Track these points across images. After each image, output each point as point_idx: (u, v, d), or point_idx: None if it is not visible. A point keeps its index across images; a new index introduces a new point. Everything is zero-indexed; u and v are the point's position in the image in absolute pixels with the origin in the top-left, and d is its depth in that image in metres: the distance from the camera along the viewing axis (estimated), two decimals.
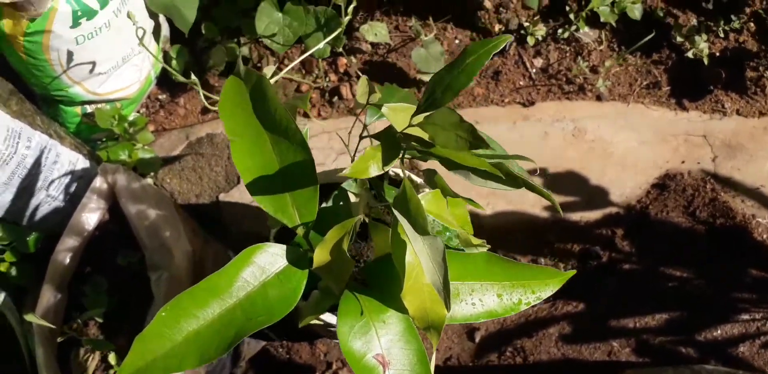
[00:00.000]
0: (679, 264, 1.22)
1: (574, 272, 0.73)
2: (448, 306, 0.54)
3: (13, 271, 1.05)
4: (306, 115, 1.20)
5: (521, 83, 1.23)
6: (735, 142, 1.25)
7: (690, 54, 1.22)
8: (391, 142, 0.58)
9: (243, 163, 0.62)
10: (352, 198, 0.67)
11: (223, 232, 1.18)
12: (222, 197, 1.18)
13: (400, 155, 0.58)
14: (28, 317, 0.96)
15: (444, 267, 0.54)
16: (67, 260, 1.01)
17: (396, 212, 0.56)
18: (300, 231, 0.63)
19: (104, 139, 1.15)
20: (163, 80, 1.21)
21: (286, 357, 1.17)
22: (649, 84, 1.25)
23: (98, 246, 1.04)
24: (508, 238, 1.23)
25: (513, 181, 0.57)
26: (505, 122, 1.22)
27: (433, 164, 0.66)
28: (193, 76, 0.84)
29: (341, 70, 1.20)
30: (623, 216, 1.23)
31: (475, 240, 0.63)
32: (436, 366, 1.17)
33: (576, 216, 1.23)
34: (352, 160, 0.72)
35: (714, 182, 1.23)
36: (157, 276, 0.99)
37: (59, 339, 0.96)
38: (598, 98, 1.24)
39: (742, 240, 1.22)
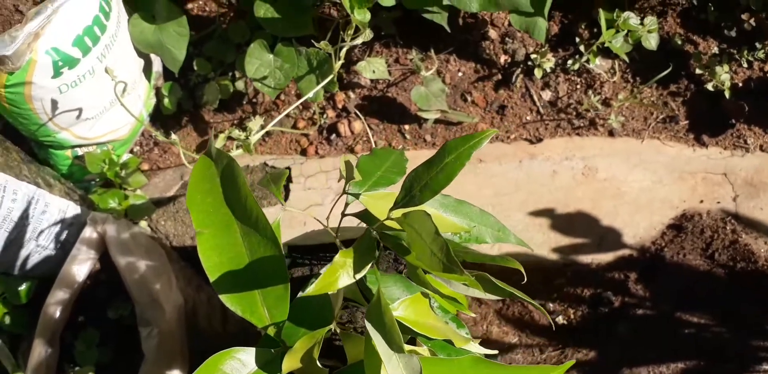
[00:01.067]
0: (696, 309, 1.16)
1: (572, 362, 0.68)
2: None
3: (7, 320, 1.04)
4: (303, 153, 1.16)
5: (528, 118, 1.17)
6: (758, 180, 1.18)
7: (710, 86, 1.15)
8: (366, 245, 0.53)
9: (210, 258, 0.59)
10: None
11: None
12: None
13: (375, 259, 0.53)
14: None
15: None
16: (58, 313, 0.98)
17: (369, 326, 0.52)
18: (271, 331, 0.59)
19: (97, 180, 1.12)
20: (157, 117, 1.18)
21: None
22: (665, 118, 1.18)
23: (90, 296, 1.02)
24: (515, 281, 1.18)
25: (498, 290, 0.52)
26: (511, 160, 1.16)
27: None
28: (173, 136, 0.81)
29: (339, 106, 1.16)
30: (637, 258, 1.17)
31: (462, 342, 0.58)
32: None
33: (587, 259, 1.18)
34: (336, 236, 0.68)
35: (735, 223, 1.17)
36: (148, 332, 0.96)
37: None
38: (611, 134, 1.17)
39: (764, 285, 1.15)
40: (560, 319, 1.16)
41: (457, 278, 0.50)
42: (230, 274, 0.59)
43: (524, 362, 1.16)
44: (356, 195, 0.58)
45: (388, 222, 0.56)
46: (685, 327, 1.16)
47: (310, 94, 0.93)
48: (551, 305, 1.17)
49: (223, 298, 0.59)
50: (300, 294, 0.65)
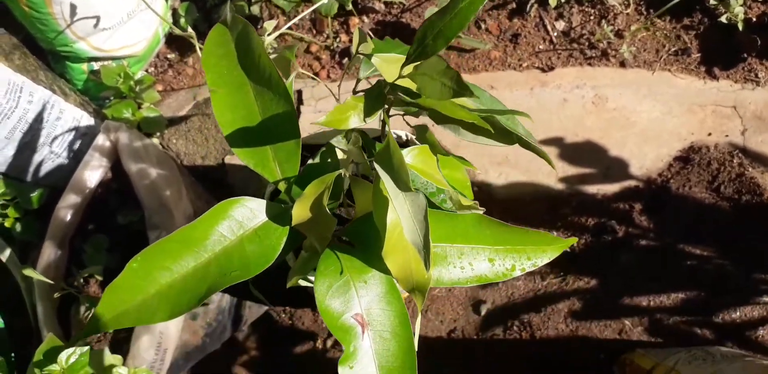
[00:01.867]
0: (699, 241, 1.16)
1: (575, 240, 0.69)
2: (427, 266, 0.51)
3: (18, 227, 1.06)
4: (316, 76, 1.17)
5: (541, 47, 1.17)
6: (767, 114, 1.18)
7: (724, 18, 1.14)
8: (376, 92, 0.54)
9: (224, 115, 0.60)
10: (340, 155, 0.64)
11: (228, 195, 1.16)
12: (228, 159, 1.17)
13: (384, 107, 0.54)
14: (27, 272, 0.96)
15: (425, 225, 0.51)
16: (69, 217, 1.00)
17: (377, 166, 0.53)
18: (282, 186, 0.60)
19: (112, 98, 1.14)
20: (173, 39, 1.19)
21: (288, 323, 1.16)
22: (677, 50, 1.18)
23: (100, 204, 1.03)
24: (521, 210, 1.19)
25: (505, 135, 0.53)
26: (523, 88, 1.17)
27: (426, 122, 0.62)
28: (189, 29, 0.82)
29: (353, 30, 1.16)
30: (643, 189, 1.18)
31: (466, 201, 0.59)
32: (440, 338, 1.15)
33: (593, 189, 1.18)
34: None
35: (742, 156, 1.17)
36: (156, 235, 0.98)
37: (57, 295, 0.96)
38: (622, 65, 1.17)
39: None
40: None
41: (465, 114, 0.50)
42: (243, 130, 0.60)
43: (525, 289, 1.17)
44: (369, 56, 0.59)
45: (400, 82, 0.57)
46: (687, 259, 1.16)
47: (324, 1, 0.93)
48: (555, 233, 1.18)
49: (237, 152, 0.60)
50: (309, 161, 0.67)
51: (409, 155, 0.56)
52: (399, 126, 0.85)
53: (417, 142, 0.77)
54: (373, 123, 0.70)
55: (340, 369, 0.55)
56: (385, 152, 0.53)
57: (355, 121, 0.53)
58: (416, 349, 0.59)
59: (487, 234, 0.62)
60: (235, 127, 0.60)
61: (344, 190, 0.65)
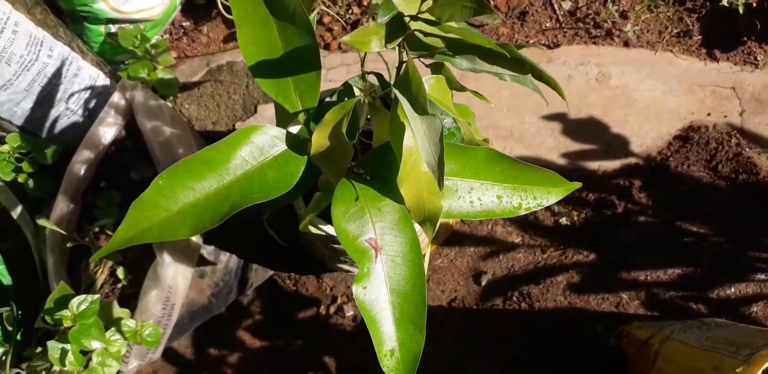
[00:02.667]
0: (696, 219, 1.19)
1: (579, 184, 0.71)
2: (441, 185, 0.53)
3: (31, 183, 1.07)
4: (327, 47, 1.20)
5: (548, 25, 1.21)
6: (765, 96, 1.21)
7: (725, 2, 1.18)
8: (398, 22, 0.57)
9: (248, 48, 0.62)
10: (357, 93, 0.67)
11: None
12: (238, 125, 1.19)
13: (405, 35, 0.57)
14: (41, 221, 0.98)
15: (440, 147, 0.54)
16: (83, 171, 1.02)
17: (396, 92, 0.55)
18: (301, 117, 0.63)
19: (126, 62, 1.16)
20: (188, 7, 1.22)
21: (293, 289, 1.17)
22: (679, 32, 1.21)
23: (113, 161, 1.05)
24: None
25: (520, 64, 0.56)
26: (534, 60, 1.20)
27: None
28: None
29: (365, 2, 1.19)
30: (642, 167, 1.21)
31: (479, 137, 0.62)
32: (440, 306, 1.17)
33: (594, 165, 1.21)
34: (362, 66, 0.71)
35: (739, 137, 1.20)
36: None
37: (69, 245, 0.98)
38: (626, 44, 1.21)
39: (764, 198, 1.19)
40: (564, 220, 1.20)
41: (482, 41, 0.53)
42: (266, 62, 0.62)
43: (525, 261, 1.20)
44: None
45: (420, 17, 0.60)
46: (684, 236, 1.19)
47: None
48: (556, 207, 1.20)
49: (260, 82, 0.62)
50: (327, 99, 0.69)
51: (426, 84, 0.58)
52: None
53: None
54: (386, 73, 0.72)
55: (354, 288, 0.58)
56: (405, 77, 0.55)
57: (376, 44, 0.55)
58: (426, 276, 0.61)
59: (497, 171, 0.64)
60: (259, 59, 0.62)
61: (360, 128, 0.67)
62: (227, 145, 0.59)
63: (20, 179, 1.06)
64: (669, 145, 1.21)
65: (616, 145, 1.21)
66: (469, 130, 0.61)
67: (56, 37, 0.99)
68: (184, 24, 1.23)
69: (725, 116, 1.20)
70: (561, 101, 1.20)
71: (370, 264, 0.59)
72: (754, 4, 1.21)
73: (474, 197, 0.64)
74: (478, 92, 0.64)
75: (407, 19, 0.58)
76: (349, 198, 0.61)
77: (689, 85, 1.21)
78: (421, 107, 0.54)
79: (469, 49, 0.56)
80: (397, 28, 0.57)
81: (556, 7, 1.21)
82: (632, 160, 1.21)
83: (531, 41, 1.21)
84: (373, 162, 0.64)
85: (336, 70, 1.18)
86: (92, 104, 1.09)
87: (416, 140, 0.55)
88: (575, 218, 1.20)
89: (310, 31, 0.62)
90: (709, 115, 1.20)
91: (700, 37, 1.21)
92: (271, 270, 1.16)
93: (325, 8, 1.19)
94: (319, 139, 0.60)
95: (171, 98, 1.17)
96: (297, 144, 0.62)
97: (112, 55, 1.16)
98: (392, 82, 0.68)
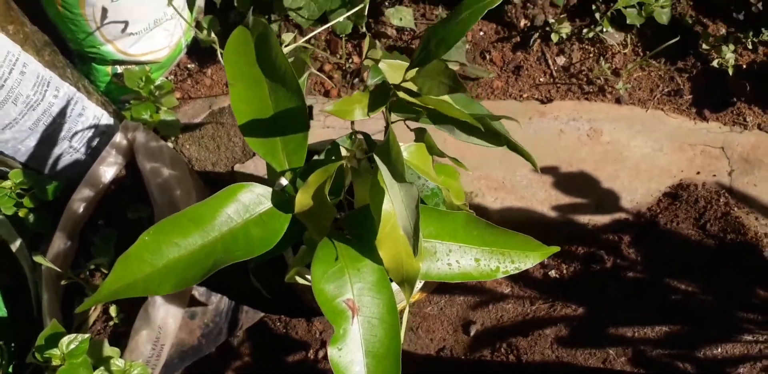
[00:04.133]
0: (684, 276, 1.20)
1: (557, 248, 0.73)
2: (416, 251, 0.55)
3: (31, 218, 1.10)
4: (326, 94, 1.23)
5: (541, 80, 1.24)
6: (754, 156, 1.23)
7: (715, 63, 1.21)
8: (381, 90, 0.60)
9: (240, 107, 0.65)
10: (344, 153, 0.69)
11: None
12: (237, 167, 1.22)
13: (387, 104, 0.59)
14: (38, 259, 1.00)
15: (416, 213, 0.56)
16: (81, 209, 1.05)
17: (377, 158, 0.57)
18: (288, 176, 0.65)
19: (131, 101, 1.20)
20: (194, 50, 1.26)
21: (282, 331, 1.18)
22: (670, 91, 1.24)
23: (112, 199, 1.08)
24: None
25: (495, 137, 0.58)
26: (521, 117, 1.23)
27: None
28: (213, 35, 0.88)
29: (365, 51, 1.23)
30: (632, 222, 1.22)
31: (458, 201, 0.64)
32: (429, 355, 1.17)
33: (584, 219, 1.23)
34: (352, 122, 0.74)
35: (728, 196, 1.22)
36: None
37: (63, 282, 1.00)
38: (618, 101, 1.24)
39: (751, 258, 1.19)
40: (553, 273, 1.21)
41: (459, 114, 0.56)
42: (256, 121, 0.65)
43: (515, 312, 1.20)
44: (376, 61, 0.65)
45: (403, 85, 0.62)
46: (672, 293, 1.20)
47: (341, 19, 1.00)
48: (545, 259, 1.21)
49: (249, 141, 0.65)
50: (315, 157, 0.72)
51: (406, 151, 0.61)
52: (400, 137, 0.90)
53: None
54: (377, 127, 0.75)
55: (329, 350, 0.59)
56: (385, 145, 0.58)
57: (359, 113, 0.58)
58: (401, 341, 0.63)
59: (475, 235, 0.66)
60: (249, 118, 0.65)
61: (344, 187, 0.70)
62: (214, 203, 0.61)
63: (21, 214, 1.09)
64: (658, 202, 1.22)
65: (607, 200, 1.22)
66: (449, 195, 0.63)
67: (63, 77, 1.02)
68: (189, 66, 1.26)
69: (714, 175, 1.22)
70: (553, 155, 1.23)
71: (346, 326, 0.60)
72: (744, 66, 1.24)
73: (452, 259, 0.66)
74: (457, 159, 0.66)
75: (391, 88, 0.60)
76: (330, 258, 0.63)
77: (679, 144, 1.23)
78: (399, 175, 0.56)
79: (447, 119, 0.58)
80: (380, 97, 0.60)
81: (550, 62, 1.24)
82: (622, 215, 1.22)
83: (524, 95, 1.24)
84: (354, 222, 0.66)
85: (334, 117, 1.21)
86: (95, 143, 1.12)
87: (394, 206, 0.57)
88: (564, 271, 1.21)
89: (300, 94, 0.64)
90: (698, 173, 1.22)
91: (690, 96, 1.24)
92: (262, 312, 1.17)
93: (326, 56, 1.23)
94: (303, 200, 0.62)
95: (172, 139, 1.20)
96: (282, 202, 0.64)
97: (117, 95, 1.19)
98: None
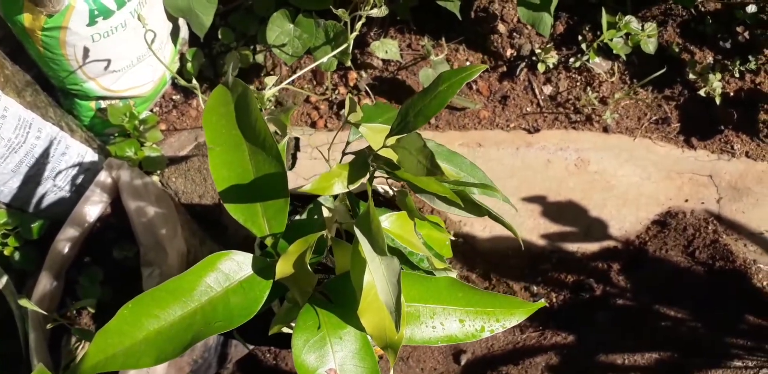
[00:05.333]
0: (674, 304, 1.20)
1: (542, 304, 0.73)
2: (398, 327, 0.55)
3: (17, 256, 1.09)
4: (313, 125, 1.23)
5: (528, 109, 1.23)
6: (742, 184, 1.23)
7: (702, 92, 1.21)
8: (360, 162, 0.59)
9: (219, 172, 0.64)
10: (326, 213, 0.68)
11: (222, 234, 1.20)
12: None
13: (368, 175, 0.59)
14: (22, 302, 0.99)
15: (398, 288, 0.55)
16: (66, 249, 1.04)
17: (357, 230, 0.57)
18: (268, 241, 0.65)
19: (116, 135, 1.19)
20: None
21: (272, 363, 1.18)
22: (658, 119, 1.24)
23: (98, 238, 1.07)
24: (504, 263, 1.23)
25: (475, 208, 0.58)
26: (509, 147, 1.23)
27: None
28: (194, 81, 0.87)
29: (351, 83, 1.22)
30: (621, 250, 1.22)
31: (440, 264, 0.64)
32: None
33: (573, 247, 1.23)
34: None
35: (717, 223, 1.22)
36: (149, 272, 1.01)
37: (49, 326, 0.99)
38: (605, 130, 1.23)
39: (740, 285, 1.20)
40: (543, 302, 1.21)
41: (438, 188, 0.55)
42: (236, 187, 0.64)
43: (505, 341, 1.20)
44: (356, 125, 0.64)
45: (382, 152, 0.62)
46: (661, 320, 1.20)
47: (325, 59, 1.00)
48: (535, 288, 1.22)
49: (228, 208, 0.64)
50: (297, 217, 0.71)
51: (387, 220, 0.60)
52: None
53: None
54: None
55: None
56: (365, 218, 0.57)
57: (339, 187, 0.57)
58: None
59: (459, 297, 0.66)
60: (230, 184, 0.64)
61: (328, 247, 0.69)
62: (193, 273, 0.61)
63: (6, 252, 1.08)
64: (647, 230, 1.22)
65: (595, 228, 1.22)
66: (432, 260, 0.63)
67: (45, 117, 1.01)
68: (174, 97, 1.25)
69: (703, 203, 1.22)
70: (541, 185, 1.23)
71: None
72: (731, 94, 1.24)
73: (437, 322, 0.66)
74: (438, 224, 0.66)
75: (371, 157, 0.60)
76: (312, 326, 0.62)
77: (667, 172, 1.23)
78: (379, 249, 0.56)
79: (427, 191, 0.58)
80: (360, 169, 0.59)
81: (537, 91, 1.24)
82: (611, 243, 1.22)
83: (512, 125, 1.23)
84: (336, 288, 0.65)
85: (322, 148, 1.21)
86: (79, 180, 1.11)
87: (375, 278, 0.57)
88: (554, 299, 1.22)
89: (279, 160, 0.64)
90: (686, 201, 1.22)
91: (678, 124, 1.24)
92: (251, 344, 1.17)
93: (311, 90, 1.22)
94: (284, 268, 0.62)
95: (158, 172, 1.19)
96: (263, 268, 0.64)
97: (102, 128, 1.18)
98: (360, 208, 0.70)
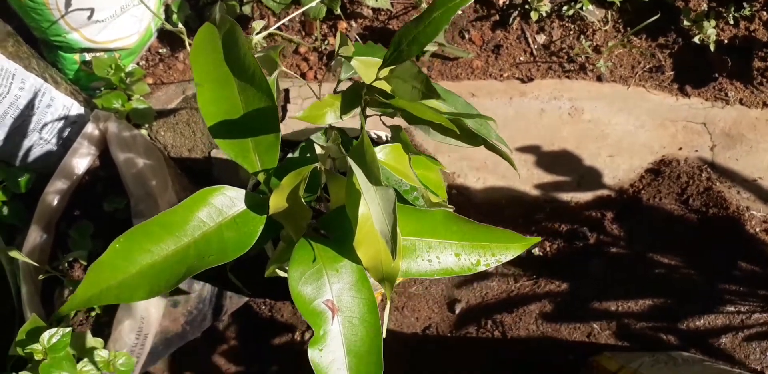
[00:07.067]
0: (667, 251, 1.21)
1: (537, 239, 0.72)
2: (394, 256, 0.55)
3: (5, 210, 1.08)
4: (303, 76, 1.21)
5: (521, 58, 1.22)
6: (735, 131, 1.23)
7: (697, 39, 1.20)
8: (353, 92, 0.58)
9: (208, 108, 0.63)
10: (319, 151, 0.67)
11: None
12: (214, 153, 1.19)
13: (361, 106, 0.58)
14: (13, 253, 0.98)
15: (394, 217, 0.55)
16: (56, 202, 1.03)
17: (351, 161, 0.56)
18: (261, 177, 0.64)
19: (102, 89, 1.16)
20: (164, 34, 1.22)
21: (268, 315, 1.18)
22: (652, 67, 1.23)
23: (87, 191, 1.06)
24: (498, 214, 1.23)
25: (471, 137, 0.57)
26: (502, 97, 1.21)
27: (400, 123, 0.66)
28: (180, 25, 0.85)
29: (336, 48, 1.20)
30: (615, 199, 1.22)
31: (436, 199, 0.63)
32: (414, 334, 1.18)
33: (567, 197, 1.23)
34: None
35: (710, 171, 1.22)
36: None
37: (41, 277, 0.99)
38: (599, 79, 1.22)
39: (733, 231, 1.21)
40: (536, 251, 1.21)
41: (434, 116, 0.54)
42: (226, 122, 0.63)
43: (499, 290, 1.21)
44: (348, 58, 0.63)
45: (376, 84, 0.61)
46: (655, 267, 1.21)
47: (313, 4, 0.97)
48: (529, 237, 1.22)
49: (219, 143, 0.63)
50: (289, 155, 0.70)
51: (381, 152, 0.59)
52: (379, 129, 0.89)
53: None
54: (354, 123, 0.73)
55: (309, 352, 0.59)
56: (359, 148, 0.56)
57: (331, 117, 0.56)
58: (383, 336, 0.62)
59: (455, 231, 0.65)
60: (219, 119, 0.63)
61: (321, 184, 0.68)
62: (185, 208, 0.60)
63: None
64: (641, 178, 1.22)
65: (589, 178, 1.22)
66: (427, 194, 0.62)
67: (29, 68, 0.99)
68: (160, 50, 1.23)
69: (696, 151, 1.22)
70: (535, 134, 1.22)
71: (326, 327, 0.60)
72: (725, 41, 1.22)
73: (432, 256, 0.65)
74: (434, 158, 0.65)
75: (364, 89, 0.59)
76: (307, 259, 0.62)
77: (661, 120, 1.22)
78: (375, 179, 0.55)
79: (421, 120, 0.57)
80: (352, 99, 0.58)
81: (530, 40, 1.22)
82: (604, 192, 1.22)
83: (505, 74, 1.22)
84: (331, 222, 0.65)
85: (311, 100, 1.19)
86: (66, 133, 1.09)
87: (370, 209, 0.56)
88: (548, 248, 1.22)
89: (270, 94, 0.62)
90: (680, 149, 1.22)
91: (672, 72, 1.23)
92: (246, 296, 1.17)
93: (300, 40, 1.20)
94: (277, 202, 0.61)
95: (146, 125, 1.17)
96: (256, 203, 0.63)
97: (87, 82, 1.16)
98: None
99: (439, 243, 0.66)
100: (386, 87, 0.58)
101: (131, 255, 0.58)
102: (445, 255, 0.66)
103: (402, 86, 0.53)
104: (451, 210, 0.67)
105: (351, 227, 0.61)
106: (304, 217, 0.63)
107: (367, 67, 0.62)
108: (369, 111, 0.65)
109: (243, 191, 0.63)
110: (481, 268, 0.68)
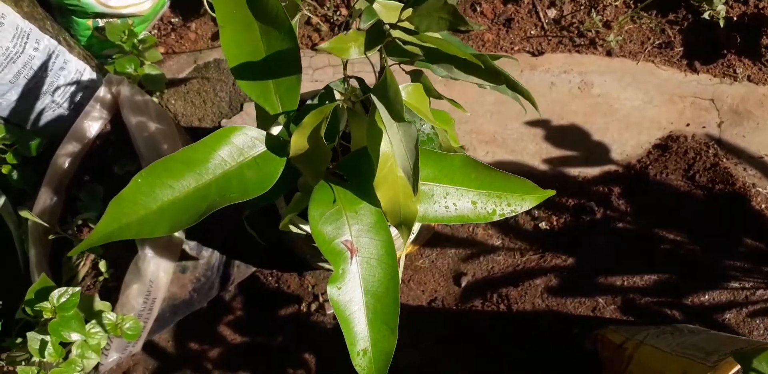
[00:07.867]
0: (673, 226, 1.21)
1: (553, 192, 0.73)
2: (415, 190, 0.55)
3: (14, 174, 1.08)
4: (314, 47, 1.21)
5: (532, 32, 1.22)
6: (743, 108, 1.23)
7: (706, 15, 1.20)
8: (377, 28, 0.58)
9: (230, 50, 0.63)
10: (338, 97, 0.68)
11: None
12: (224, 123, 1.20)
13: (384, 42, 0.58)
14: (23, 213, 0.98)
15: (415, 153, 0.55)
16: (67, 164, 1.03)
17: (374, 98, 0.56)
18: (281, 119, 0.64)
19: (114, 56, 1.17)
20: (177, 3, 1.22)
21: (274, 286, 1.18)
22: (661, 43, 1.23)
23: (98, 154, 1.06)
24: None
25: (494, 75, 0.57)
26: (512, 70, 1.22)
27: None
28: None
29: (353, 3, 1.20)
30: (622, 174, 1.23)
31: (455, 143, 0.63)
32: (420, 306, 1.18)
33: (574, 171, 1.23)
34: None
35: (717, 147, 1.22)
36: None
37: (51, 237, 0.99)
38: (608, 53, 1.23)
39: (739, 208, 1.21)
40: (543, 225, 1.22)
41: (458, 51, 0.54)
42: (248, 64, 0.63)
43: (505, 264, 1.21)
44: (370, 2, 0.63)
45: (398, 28, 0.61)
46: (660, 243, 1.21)
47: None
48: (536, 211, 1.22)
49: (240, 84, 0.63)
50: (308, 102, 0.70)
51: (403, 91, 0.60)
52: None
53: None
54: (368, 78, 0.74)
55: (328, 289, 0.59)
56: (383, 84, 0.56)
57: (355, 52, 0.56)
58: (400, 280, 0.63)
59: (473, 178, 0.66)
60: (241, 61, 0.63)
61: (339, 132, 0.69)
62: (206, 145, 0.60)
63: (4, 170, 1.07)
64: (648, 154, 1.23)
65: (597, 153, 1.22)
66: (446, 138, 0.63)
67: (43, 30, 0.99)
68: (172, 20, 1.23)
69: (704, 127, 1.23)
70: (544, 108, 1.23)
71: (345, 266, 0.60)
72: (735, 18, 1.23)
73: (449, 202, 0.66)
74: (455, 101, 0.65)
75: (387, 27, 0.59)
76: (327, 200, 0.62)
77: (669, 96, 1.23)
78: (397, 114, 0.55)
79: (445, 58, 0.57)
80: (376, 36, 0.58)
81: (541, 15, 1.22)
82: (612, 168, 1.23)
83: (516, 48, 1.22)
84: (351, 165, 0.65)
85: (323, 70, 1.19)
86: (78, 97, 1.09)
87: (393, 146, 0.56)
88: (554, 223, 1.22)
89: (292, 36, 0.63)
90: (688, 125, 1.23)
91: (681, 48, 1.23)
92: (254, 266, 1.17)
93: (307, 13, 1.20)
94: (298, 142, 0.61)
95: (157, 93, 1.18)
96: (277, 145, 0.63)
97: (99, 49, 1.16)
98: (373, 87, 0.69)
99: (456, 189, 0.66)
100: (410, 27, 0.58)
101: (153, 191, 0.59)
102: (462, 202, 0.66)
103: (427, 21, 0.54)
104: (468, 154, 0.67)
105: (370, 169, 0.61)
106: (323, 160, 0.63)
107: (389, 11, 0.63)
108: (389, 60, 0.65)
109: (264, 132, 0.63)
110: (497, 218, 0.68)
